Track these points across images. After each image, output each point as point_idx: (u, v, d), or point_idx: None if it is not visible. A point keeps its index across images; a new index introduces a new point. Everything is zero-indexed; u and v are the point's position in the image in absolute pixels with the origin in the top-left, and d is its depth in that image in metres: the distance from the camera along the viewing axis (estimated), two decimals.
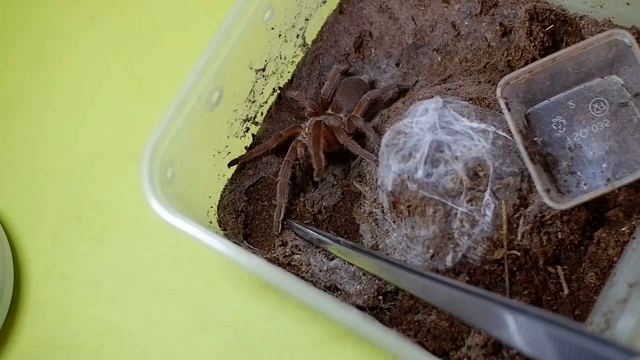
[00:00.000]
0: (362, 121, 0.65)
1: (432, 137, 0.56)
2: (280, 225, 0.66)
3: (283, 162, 0.66)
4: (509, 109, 0.57)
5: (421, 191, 0.55)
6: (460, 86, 0.66)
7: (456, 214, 0.55)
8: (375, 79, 0.74)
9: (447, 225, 0.56)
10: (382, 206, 0.60)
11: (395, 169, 0.57)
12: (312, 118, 0.69)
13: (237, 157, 0.69)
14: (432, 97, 0.61)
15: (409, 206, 0.57)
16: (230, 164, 0.69)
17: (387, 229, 0.60)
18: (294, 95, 0.72)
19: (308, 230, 0.64)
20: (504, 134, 0.57)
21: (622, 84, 0.59)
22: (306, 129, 0.68)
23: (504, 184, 0.55)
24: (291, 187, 0.67)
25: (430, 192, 0.55)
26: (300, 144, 0.67)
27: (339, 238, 0.62)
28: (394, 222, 0.59)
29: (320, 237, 0.63)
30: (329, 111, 0.71)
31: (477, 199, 0.55)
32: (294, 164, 0.67)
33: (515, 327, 0.39)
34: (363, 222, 0.64)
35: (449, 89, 0.65)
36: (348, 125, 0.67)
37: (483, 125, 0.57)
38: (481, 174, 0.55)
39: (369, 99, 0.68)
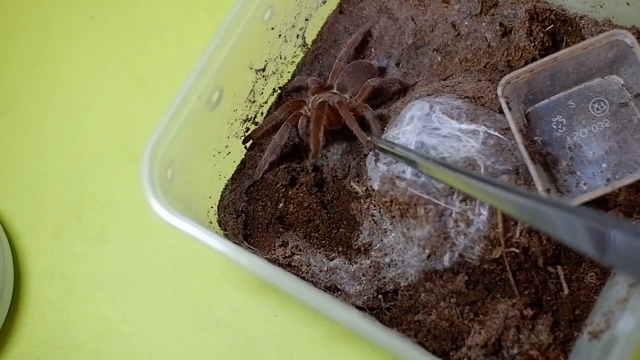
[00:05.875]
0: (371, 113, 0.65)
1: (418, 138, 0.56)
2: (261, 173, 0.68)
3: (282, 124, 0.67)
4: (509, 108, 0.57)
5: (410, 189, 0.55)
6: (459, 83, 0.65)
7: (450, 213, 0.55)
8: (385, 66, 0.74)
9: (442, 224, 0.56)
10: (379, 206, 0.60)
11: (383, 169, 0.57)
12: (316, 95, 0.69)
13: (249, 133, 0.70)
14: (419, 97, 0.60)
15: (399, 206, 0.57)
16: (244, 141, 0.71)
17: (385, 228, 0.60)
18: (294, 82, 0.73)
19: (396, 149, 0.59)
20: (496, 134, 0.57)
21: (622, 84, 0.59)
22: (310, 104, 0.69)
23: None
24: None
25: (420, 191, 0.55)
26: (303, 116, 0.68)
27: (428, 156, 0.55)
28: (391, 222, 0.59)
29: (409, 154, 0.57)
30: (334, 90, 0.71)
31: (470, 198, 0.55)
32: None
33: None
34: (363, 219, 0.64)
35: (446, 86, 0.65)
36: (356, 110, 0.67)
37: (473, 126, 0.57)
38: None
39: (372, 84, 0.68)
